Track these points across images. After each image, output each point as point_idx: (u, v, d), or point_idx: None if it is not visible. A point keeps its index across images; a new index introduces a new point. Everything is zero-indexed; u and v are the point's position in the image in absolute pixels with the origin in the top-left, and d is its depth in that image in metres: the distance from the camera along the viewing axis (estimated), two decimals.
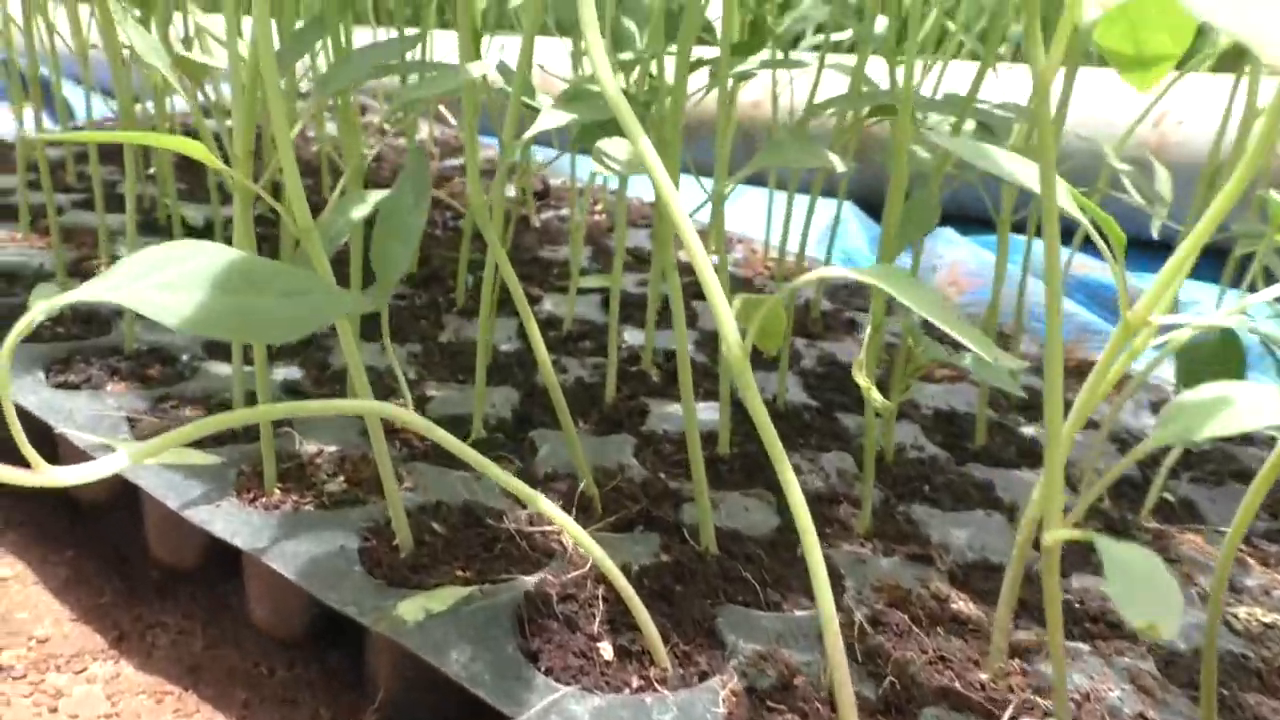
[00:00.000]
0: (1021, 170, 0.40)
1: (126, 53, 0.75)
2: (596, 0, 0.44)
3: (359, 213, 0.51)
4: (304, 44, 0.62)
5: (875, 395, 0.58)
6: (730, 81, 0.76)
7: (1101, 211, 0.41)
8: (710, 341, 0.93)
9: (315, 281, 0.41)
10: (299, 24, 0.76)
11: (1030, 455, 0.80)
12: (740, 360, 0.40)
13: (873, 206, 1.42)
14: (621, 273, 0.79)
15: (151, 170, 1.15)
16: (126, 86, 0.76)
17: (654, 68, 0.64)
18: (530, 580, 0.52)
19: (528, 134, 0.56)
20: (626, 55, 0.62)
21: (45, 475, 0.36)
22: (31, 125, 0.94)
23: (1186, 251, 0.37)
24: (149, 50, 0.49)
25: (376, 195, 0.52)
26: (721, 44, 0.62)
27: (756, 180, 1.64)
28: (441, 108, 1.44)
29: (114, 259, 0.93)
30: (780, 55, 0.86)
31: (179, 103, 1.39)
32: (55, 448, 0.66)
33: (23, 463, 0.34)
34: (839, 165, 0.60)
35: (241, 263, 0.39)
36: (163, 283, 0.38)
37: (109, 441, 0.62)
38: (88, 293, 0.37)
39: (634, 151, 0.42)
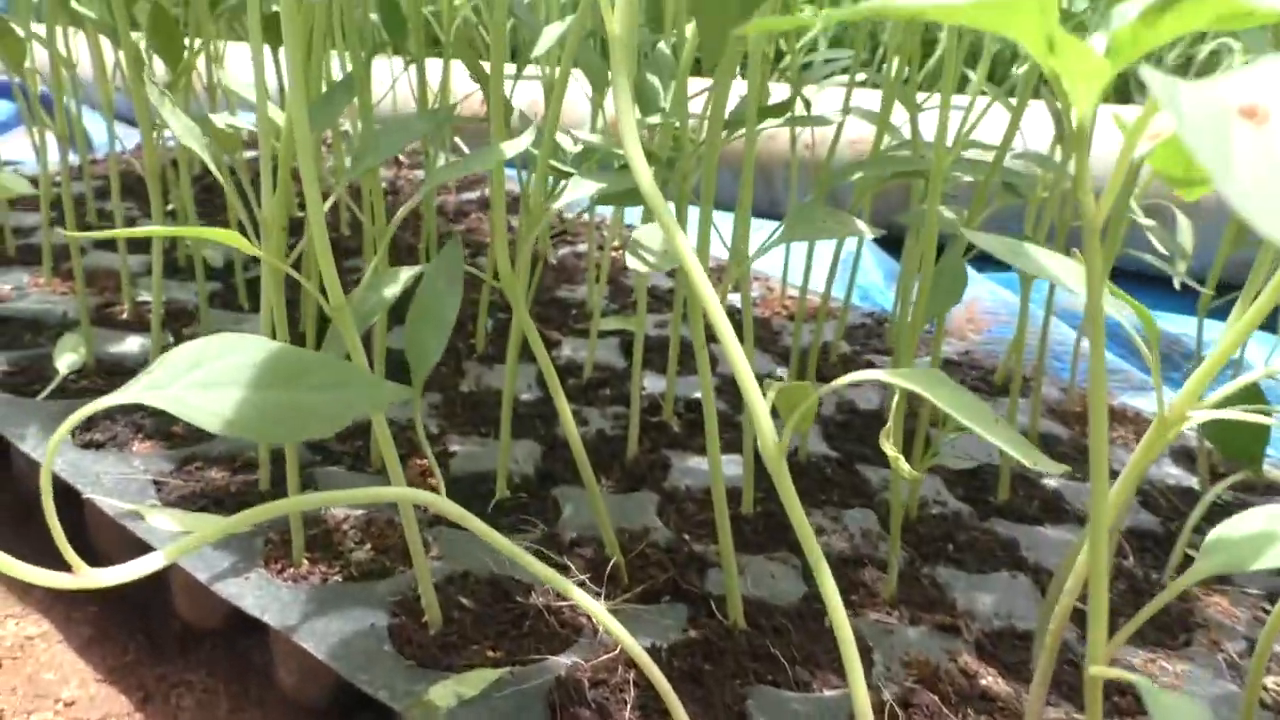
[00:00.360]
0: (1064, 271, 0.40)
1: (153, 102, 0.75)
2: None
3: (391, 291, 0.51)
4: (334, 107, 0.62)
5: (903, 465, 0.57)
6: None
7: (1140, 305, 0.41)
8: (729, 388, 0.93)
9: (351, 372, 0.41)
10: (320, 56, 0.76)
11: (1054, 510, 0.80)
12: (776, 459, 0.40)
13: (886, 239, 1.41)
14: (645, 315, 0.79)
15: (171, 206, 1.15)
16: (149, 123, 0.77)
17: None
18: (560, 661, 0.52)
19: (558, 204, 0.56)
20: (654, 119, 0.62)
21: (85, 578, 0.36)
22: (55, 158, 0.95)
23: (1227, 347, 0.37)
24: (185, 132, 0.49)
25: (408, 273, 0.52)
26: (748, 105, 0.62)
27: (771, 215, 1.63)
28: (458, 139, 1.45)
29: (136, 304, 0.94)
30: (802, 86, 0.86)
31: None
32: (81, 509, 0.66)
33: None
34: (868, 232, 0.60)
35: (276, 356, 0.39)
36: (198, 381, 0.38)
37: (137, 508, 0.62)
38: (127, 396, 0.37)
39: (670, 246, 0.42)
